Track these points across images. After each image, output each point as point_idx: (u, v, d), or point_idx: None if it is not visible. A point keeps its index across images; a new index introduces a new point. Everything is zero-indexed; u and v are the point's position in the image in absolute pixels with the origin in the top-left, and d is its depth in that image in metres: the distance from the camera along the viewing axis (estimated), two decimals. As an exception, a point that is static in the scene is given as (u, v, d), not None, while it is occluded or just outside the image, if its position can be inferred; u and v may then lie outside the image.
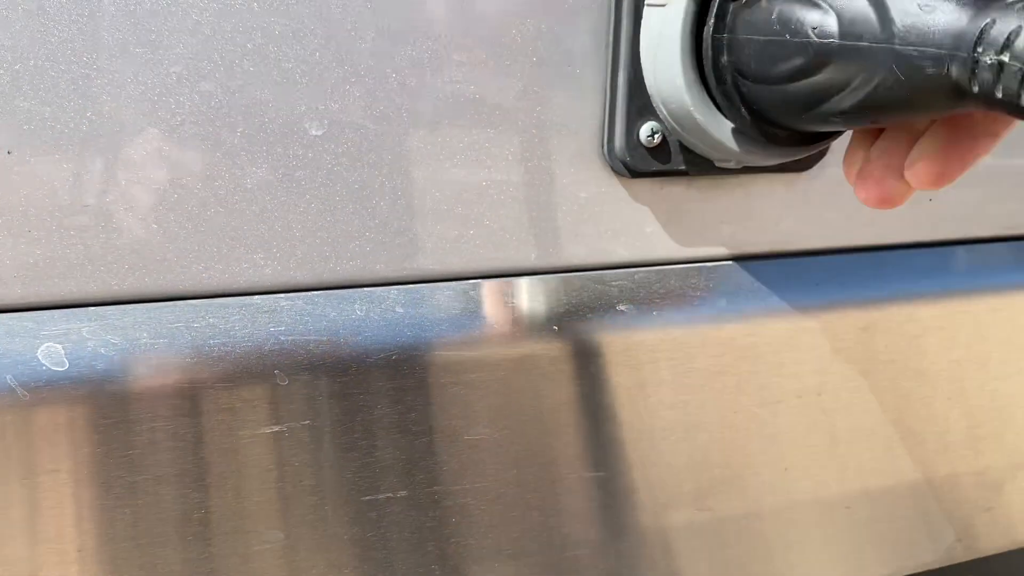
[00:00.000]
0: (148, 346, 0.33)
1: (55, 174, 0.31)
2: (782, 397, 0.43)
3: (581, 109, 0.38)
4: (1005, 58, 0.24)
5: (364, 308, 0.36)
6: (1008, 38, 0.24)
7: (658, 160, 0.38)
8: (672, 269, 0.41)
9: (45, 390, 0.31)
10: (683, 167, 0.39)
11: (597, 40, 0.37)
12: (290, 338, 0.34)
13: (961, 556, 0.50)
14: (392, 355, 0.36)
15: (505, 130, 0.37)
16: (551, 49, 0.36)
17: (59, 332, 0.32)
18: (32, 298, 0.32)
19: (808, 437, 0.45)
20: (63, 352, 0.32)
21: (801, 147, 0.36)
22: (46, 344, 0.32)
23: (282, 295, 0.35)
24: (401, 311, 0.36)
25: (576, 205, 0.39)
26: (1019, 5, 0.25)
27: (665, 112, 0.36)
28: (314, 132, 0.34)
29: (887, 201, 0.32)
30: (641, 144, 0.38)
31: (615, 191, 0.39)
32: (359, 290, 0.36)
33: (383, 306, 0.36)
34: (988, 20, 0.25)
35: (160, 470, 0.33)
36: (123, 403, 0.32)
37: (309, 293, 0.35)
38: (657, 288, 0.40)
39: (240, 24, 0.32)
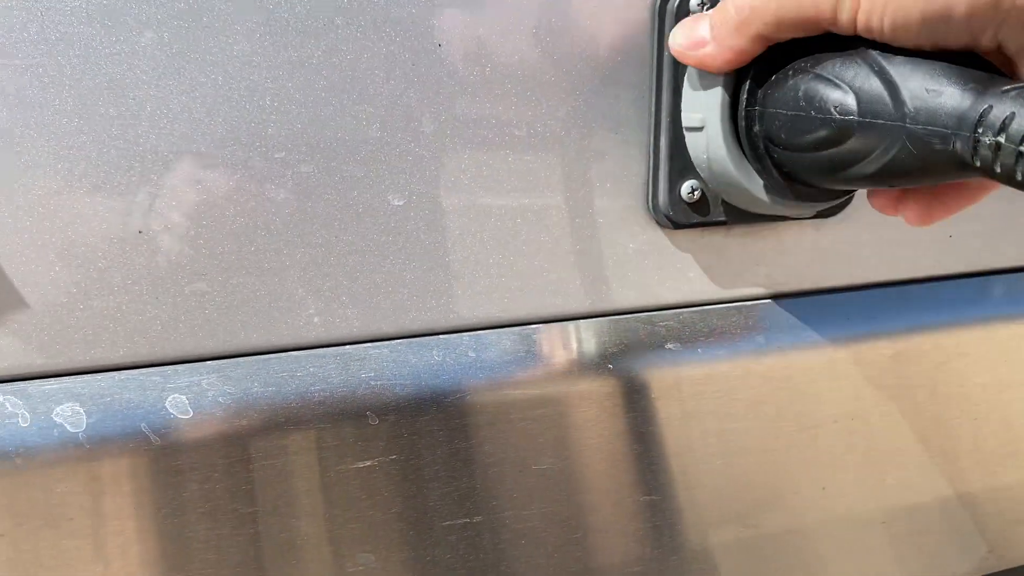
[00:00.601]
0: (259, 394, 0.37)
1: (178, 249, 0.36)
2: (819, 423, 0.47)
3: (628, 169, 0.42)
4: (1002, 139, 0.28)
5: (441, 354, 0.40)
6: (1004, 122, 0.28)
7: (698, 213, 0.42)
8: (714, 309, 0.45)
9: (173, 436, 0.36)
10: (722, 218, 0.43)
11: (640, 109, 0.41)
12: (379, 383, 0.39)
13: (993, 566, 0.54)
14: (467, 395, 0.40)
15: (560, 191, 0.41)
16: (600, 118, 0.41)
17: (183, 384, 0.37)
18: (159, 355, 0.37)
19: (844, 458, 0.48)
20: (187, 402, 0.37)
21: (828, 200, 0.40)
22: (172, 395, 0.36)
23: (371, 344, 0.40)
24: (473, 355, 0.41)
25: (625, 254, 0.43)
26: (1013, 92, 0.29)
27: (705, 173, 0.41)
28: (396, 203, 0.39)
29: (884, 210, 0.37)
30: (682, 200, 0.42)
31: (660, 241, 0.44)
32: (436, 337, 0.41)
33: (457, 351, 0.41)
34: (987, 105, 0.29)
35: (271, 502, 0.38)
36: (239, 445, 0.37)
37: (394, 342, 0.40)
38: (701, 327, 0.45)
39: (335, 112, 0.37)
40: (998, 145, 0.29)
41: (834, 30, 0.34)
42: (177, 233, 0.36)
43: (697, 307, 0.45)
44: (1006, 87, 0.29)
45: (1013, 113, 0.28)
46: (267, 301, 0.38)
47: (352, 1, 0.36)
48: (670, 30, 0.40)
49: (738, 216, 0.43)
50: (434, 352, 0.40)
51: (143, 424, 0.36)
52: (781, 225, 0.45)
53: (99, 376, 0.36)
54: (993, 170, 0.29)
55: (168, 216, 0.36)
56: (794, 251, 0.46)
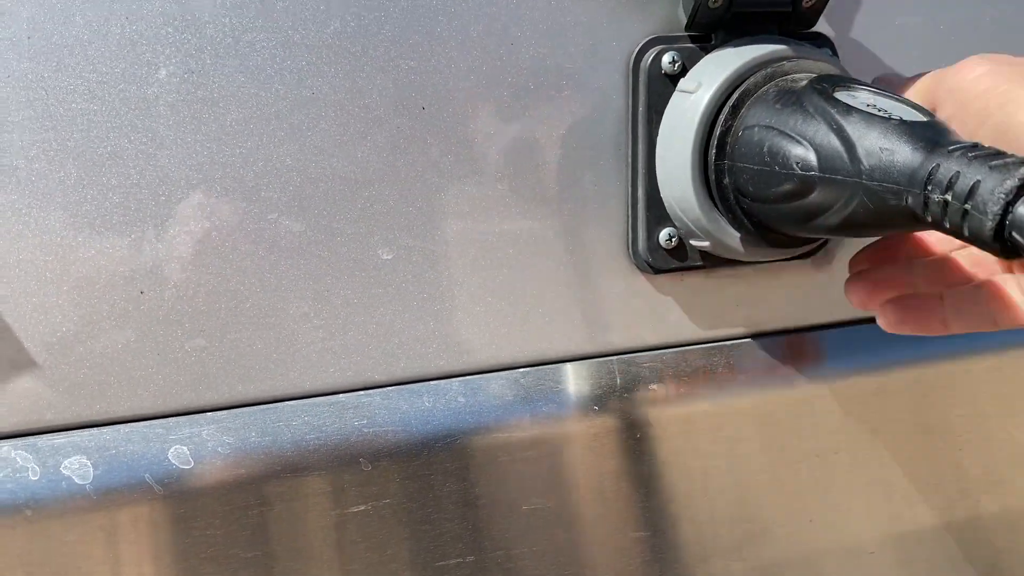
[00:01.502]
0: (256, 444, 0.39)
1: (178, 307, 0.38)
2: (802, 457, 0.49)
3: (609, 218, 0.44)
4: (948, 197, 0.30)
5: (431, 400, 0.42)
6: (950, 181, 0.30)
7: (676, 259, 0.44)
8: (696, 349, 0.47)
9: (176, 485, 0.38)
10: (699, 263, 0.44)
11: (618, 161, 0.43)
12: (371, 430, 0.41)
13: (982, 594, 0.55)
14: (456, 439, 0.42)
15: (545, 240, 0.43)
16: (581, 171, 0.43)
17: (184, 436, 0.39)
18: (161, 407, 0.39)
19: (829, 491, 0.50)
20: (188, 453, 0.38)
21: (801, 246, 0.42)
22: (175, 447, 0.38)
23: (363, 392, 0.41)
24: (463, 400, 0.42)
25: (609, 299, 0.45)
26: (958, 152, 0.31)
27: (679, 221, 0.43)
28: (385, 257, 0.41)
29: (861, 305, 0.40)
30: (661, 246, 0.44)
31: (642, 285, 0.45)
32: (426, 384, 0.42)
33: (447, 397, 0.42)
34: (934, 164, 0.31)
35: (269, 546, 0.39)
36: (238, 492, 0.39)
37: (385, 389, 0.42)
38: (683, 368, 0.46)
39: (325, 173, 0.39)
40: (946, 203, 0.30)
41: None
42: (177, 292, 0.38)
43: (679, 348, 0.47)
44: (952, 147, 0.31)
45: (958, 172, 0.30)
46: (263, 354, 0.40)
47: (338, 70, 0.39)
48: (643, 86, 0.42)
49: (715, 260, 0.45)
50: (424, 398, 0.42)
51: (147, 475, 0.38)
52: (759, 266, 0.47)
53: (104, 429, 0.38)
54: (943, 225, 0.31)
55: (168, 277, 0.38)
56: (772, 291, 0.48)
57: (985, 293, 0.38)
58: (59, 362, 0.37)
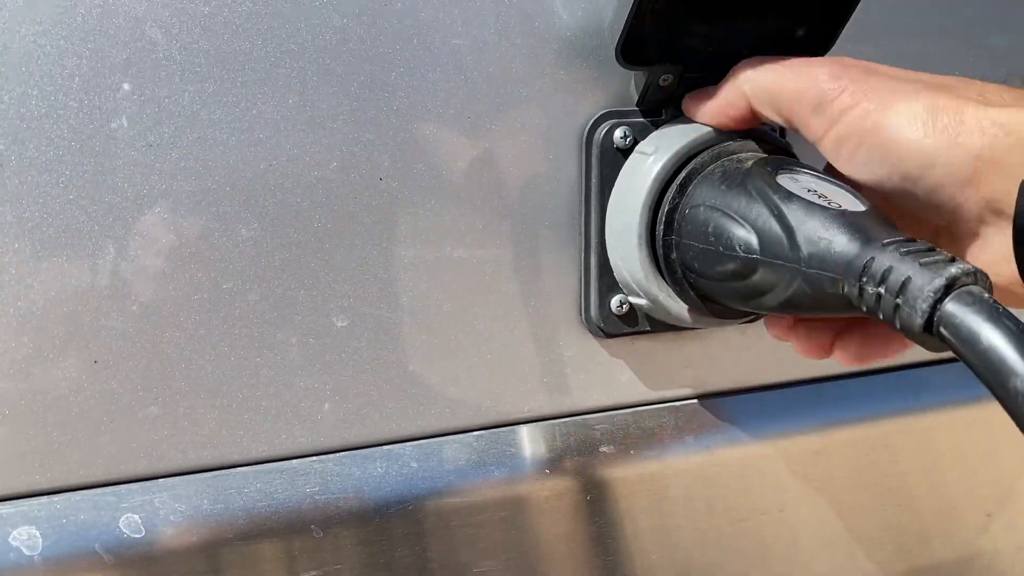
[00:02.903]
0: (208, 511, 0.39)
1: (132, 378, 0.38)
2: (748, 515, 0.50)
3: (562, 284, 0.45)
4: (882, 291, 0.31)
5: (384, 465, 0.42)
6: (883, 275, 0.31)
7: (627, 324, 0.45)
8: (646, 410, 0.48)
9: (127, 555, 0.38)
10: (649, 328, 0.46)
11: (571, 230, 0.44)
12: (323, 497, 0.41)
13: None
14: (409, 505, 0.42)
15: (498, 305, 0.44)
16: (534, 238, 0.44)
17: (136, 504, 0.39)
18: (113, 475, 0.39)
19: (774, 548, 0.51)
20: (140, 521, 0.38)
21: (746, 318, 0.43)
22: (126, 515, 0.38)
23: (315, 458, 0.42)
24: (415, 465, 0.43)
25: (561, 362, 0.46)
26: (892, 246, 0.32)
27: (630, 290, 0.44)
28: (340, 324, 0.41)
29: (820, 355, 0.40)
30: (612, 312, 0.45)
31: (593, 348, 0.46)
32: (379, 448, 0.43)
33: (400, 462, 0.43)
34: (869, 256, 0.32)
35: (220, 615, 0.39)
36: (190, 561, 0.39)
37: (338, 455, 0.42)
38: (634, 429, 0.47)
39: (281, 242, 0.40)
40: (879, 295, 0.32)
41: (799, 130, 0.38)
42: (131, 362, 0.38)
43: (630, 408, 0.48)
44: (887, 240, 0.32)
45: (891, 267, 0.31)
46: (216, 421, 0.40)
47: (294, 143, 0.39)
48: (596, 159, 0.43)
49: (666, 325, 0.46)
50: (377, 464, 0.42)
51: (97, 544, 0.38)
52: (706, 331, 0.48)
53: (55, 498, 0.38)
54: (877, 315, 0.32)
55: (123, 346, 0.38)
56: (720, 353, 0.49)
57: None
58: (7, 431, 0.37)
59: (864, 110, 0.36)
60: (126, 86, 0.37)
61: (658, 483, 0.47)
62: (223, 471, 0.40)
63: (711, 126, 0.41)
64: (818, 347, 0.41)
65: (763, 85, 0.38)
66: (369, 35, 0.40)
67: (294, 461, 0.41)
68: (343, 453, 0.42)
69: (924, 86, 0.36)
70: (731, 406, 0.49)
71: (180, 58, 0.37)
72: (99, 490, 0.39)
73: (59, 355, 0.37)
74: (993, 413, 0.55)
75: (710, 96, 0.40)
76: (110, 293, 0.38)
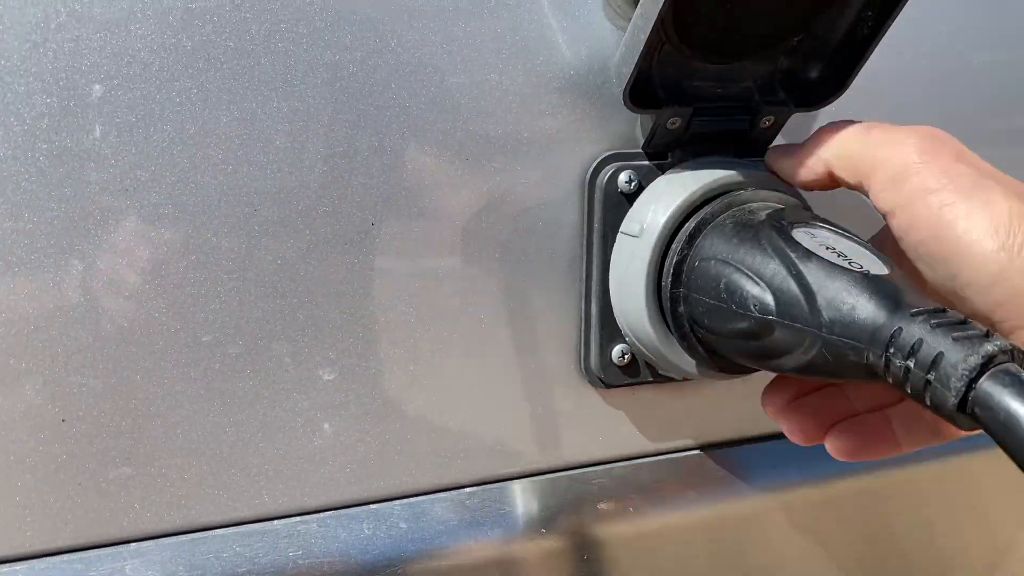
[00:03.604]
0: (183, 579, 0.37)
1: (101, 436, 0.36)
2: (749, 571, 0.48)
3: (561, 333, 0.43)
4: (911, 364, 0.29)
5: (372, 526, 0.40)
6: (912, 347, 0.29)
7: (628, 375, 0.43)
8: (646, 463, 0.46)
9: (94, 628, 0.35)
10: (650, 379, 0.43)
11: (572, 278, 0.42)
12: (307, 561, 0.39)
13: None
14: (398, 568, 0.40)
15: (496, 355, 0.42)
16: (534, 287, 0.42)
17: (106, 571, 0.36)
18: (81, 540, 0.36)
19: (775, 604, 0.49)
20: (109, 591, 0.36)
21: (752, 372, 0.41)
22: (94, 584, 0.36)
23: (299, 519, 0.39)
24: (404, 526, 0.40)
25: (559, 414, 0.44)
26: (921, 317, 0.30)
27: (633, 341, 0.42)
28: (327, 377, 0.39)
29: (810, 444, 0.38)
30: (613, 363, 0.43)
31: (593, 400, 0.44)
32: (367, 508, 0.40)
33: (388, 523, 0.40)
34: (897, 327, 0.30)
35: None
36: (162, 634, 0.36)
37: (322, 515, 0.40)
38: (633, 482, 0.45)
39: (264, 293, 0.37)
40: (908, 368, 0.30)
41: (871, 198, 0.36)
42: (102, 419, 0.36)
43: (629, 460, 0.46)
44: (915, 309, 0.30)
45: (921, 340, 0.29)
46: (193, 481, 0.37)
47: (280, 186, 0.37)
48: (599, 202, 0.41)
49: (667, 377, 0.44)
50: (364, 524, 0.40)
51: (62, 617, 0.35)
52: (708, 382, 0.46)
53: (16, 566, 0.35)
54: (904, 389, 0.30)
55: (92, 404, 0.35)
56: (722, 403, 0.47)
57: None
58: (-32, 494, 0.35)
59: (943, 200, 0.33)
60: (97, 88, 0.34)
61: (657, 539, 0.45)
62: (199, 534, 0.38)
63: (797, 186, 0.39)
64: (809, 437, 0.40)
65: (848, 154, 0.36)
66: (362, 71, 0.37)
67: (276, 522, 0.39)
68: (327, 513, 0.40)
69: (1010, 191, 0.33)
70: (733, 457, 0.47)
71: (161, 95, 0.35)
72: (65, 556, 0.36)
73: (23, 413, 0.35)
74: (994, 465, 0.54)
75: (792, 155, 0.39)
76: (78, 346, 0.35)
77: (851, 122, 0.37)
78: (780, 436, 0.49)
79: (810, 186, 0.39)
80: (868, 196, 0.36)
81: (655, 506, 0.45)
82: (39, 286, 0.34)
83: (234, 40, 0.35)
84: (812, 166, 0.37)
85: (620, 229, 0.41)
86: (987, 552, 0.55)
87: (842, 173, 0.37)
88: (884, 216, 0.35)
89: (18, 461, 0.35)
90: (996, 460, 0.29)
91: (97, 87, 0.34)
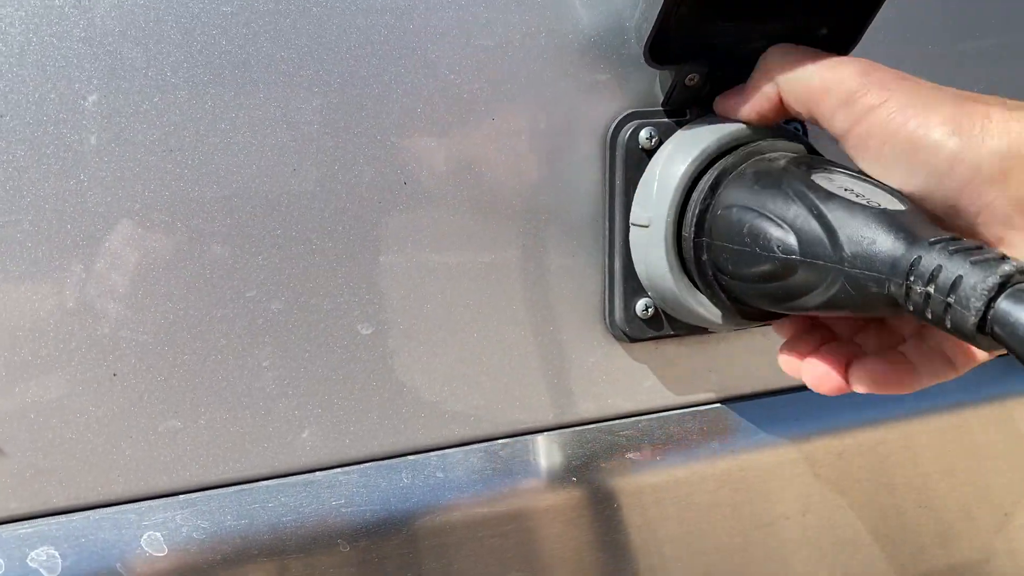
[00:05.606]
0: (232, 527, 0.38)
1: (151, 391, 0.37)
2: (772, 520, 0.49)
3: (585, 289, 0.44)
4: (931, 290, 0.31)
5: (410, 476, 0.41)
6: (932, 273, 0.31)
7: (652, 328, 0.44)
8: (671, 415, 0.47)
9: (149, 573, 0.37)
10: (672, 332, 0.45)
11: (596, 233, 0.44)
12: (349, 509, 0.40)
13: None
14: (436, 516, 0.41)
15: (522, 312, 0.43)
16: (558, 243, 0.43)
17: (158, 521, 0.37)
18: (133, 492, 0.38)
19: (798, 552, 0.50)
20: (162, 539, 0.37)
21: (773, 318, 0.43)
22: (148, 533, 0.37)
23: (340, 470, 0.41)
24: (441, 475, 0.42)
25: (585, 368, 0.45)
26: (939, 244, 0.31)
27: (655, 295, 0.43)
28: (364, 332, 0.40)
29: (833, 391, 0.39)
30: (637, 316, 0.44)
31: (617, 354, 0.46)
32: (404, 459, 0.42)
33: (425, 472, 0.42)
34: (916, 256, 0.32)
35: (246, 634, 0.38)
36: (214, 579, 0.38)
37: (363, 466, 0.41)
38: (659, 434, 0.46)
39: (305, 250, 0.38)
40: (928, 295, 0.31)
41: (824, 126, 0.37)
42: (151, 374, 0.37)
43: (654, 413, 0.47)
44: (933, 239, 0.32)
45: (940, 266, 0.31)
46: (238, 434, 0.39)
47: (319, 147, 0.38)
48: (620, 159, 0.42)
49: (690, 328, 0.45)
50: (403, 474, 0.41)
51: (118, 564, 0.36)
52: (730, 334, 0.47)
53: (73, 517, 0.37)
54: (925, 316, 0.31)
55: (142, 359, 0.37)
56: (743, 356, 0.48)
57: (939, 340, 0.38)
58: (25, 448, 0.36)
59: (891, 108, 0.35)
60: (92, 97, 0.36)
61: (684, 489, 0.47)
62: (246, 485, 0.39)
63: (743, 122, 0.40)
64: (831, 384, 0.41)
65: (795, 79, 0.38)
66: (393, 36, 0.39)
67: (318, 473, 0.40)
68: (368, 464, 0.41)
69: (950, 93, 0.36)
70: (755, 409, 0.49)
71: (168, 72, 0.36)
72: (119, 507, 0.37)
73: (77, 368, 0.36)
74: (1011, 412, 0.55)
75: (741, 91, 0.40)
76: (128, 304, 0.36)
77: (793, 49, 0.39)
78: (801, 388, 0.50)
79: (763, 115, 0.40)
80: (818, 123, 0.38)
81: (681, 456, 0.47)
82: (91, 250, 0.36)
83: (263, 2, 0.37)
84: (767, 91, 0.39)
85: (639, 181, 0.42)
86: (1010, 497, 0.56)
87: (790, 97, 0.38)
88: (839, 140, 0.37)
89: (73, 415, 0.36)
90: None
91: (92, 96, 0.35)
